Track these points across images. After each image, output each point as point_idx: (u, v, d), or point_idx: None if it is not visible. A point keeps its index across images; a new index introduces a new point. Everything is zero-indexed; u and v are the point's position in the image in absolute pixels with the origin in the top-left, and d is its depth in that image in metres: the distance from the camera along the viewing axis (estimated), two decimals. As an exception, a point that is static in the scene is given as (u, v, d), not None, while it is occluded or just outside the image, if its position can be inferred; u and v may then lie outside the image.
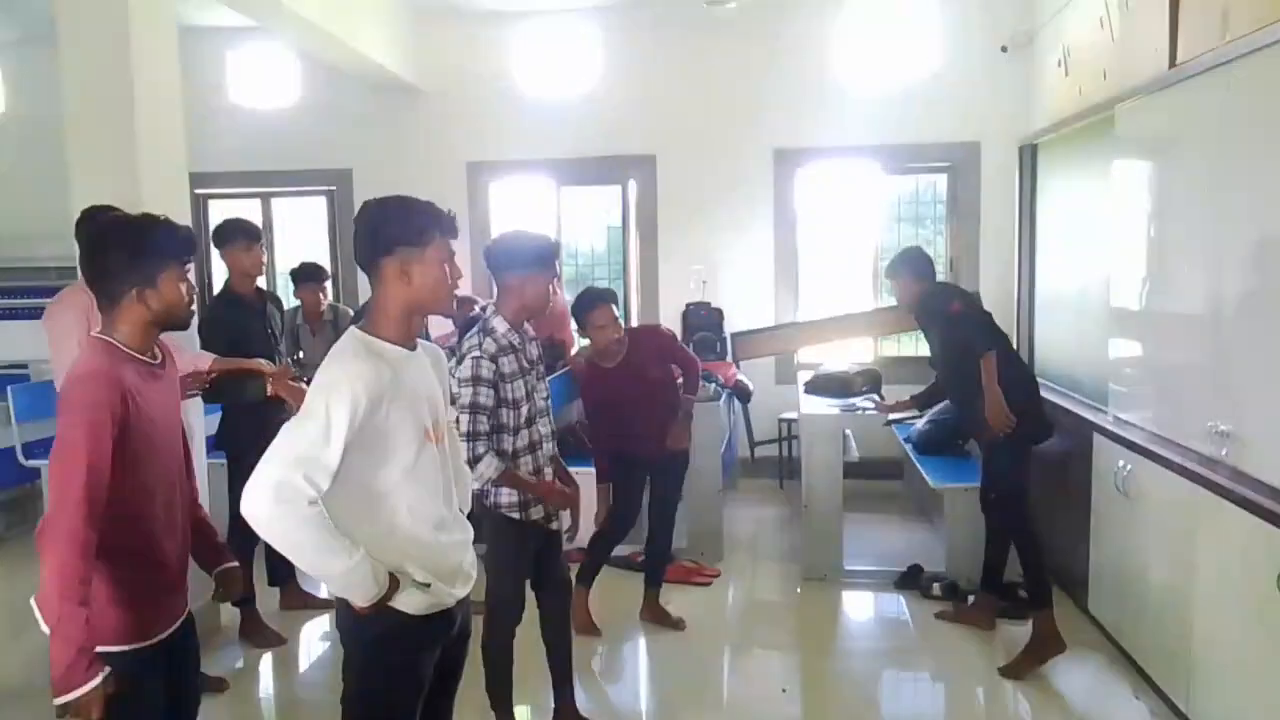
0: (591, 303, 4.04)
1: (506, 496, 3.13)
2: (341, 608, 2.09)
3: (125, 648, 2.11)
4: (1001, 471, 4.11)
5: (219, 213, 7.19)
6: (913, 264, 4.32)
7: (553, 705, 3.47)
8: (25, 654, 2.57)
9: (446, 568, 2.16)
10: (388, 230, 2.08)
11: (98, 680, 1.93)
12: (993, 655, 4.07)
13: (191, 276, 2.29)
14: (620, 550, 4.59)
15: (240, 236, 4.14)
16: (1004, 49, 6.38)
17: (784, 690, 3.90)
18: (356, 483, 1.99)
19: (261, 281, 4.34)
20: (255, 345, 4.06)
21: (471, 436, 3.01)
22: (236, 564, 2.49)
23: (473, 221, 7.22)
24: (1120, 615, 4.04)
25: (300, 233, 7.73)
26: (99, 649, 1.99)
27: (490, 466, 3.03)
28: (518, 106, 7.10)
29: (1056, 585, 4.61)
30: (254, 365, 3.76)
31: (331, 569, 1.97)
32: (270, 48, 7.23)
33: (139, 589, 2.13)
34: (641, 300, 7.26)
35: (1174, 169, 3.80)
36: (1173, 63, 3.77)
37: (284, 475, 1.90)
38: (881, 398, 5.47)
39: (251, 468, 1.95)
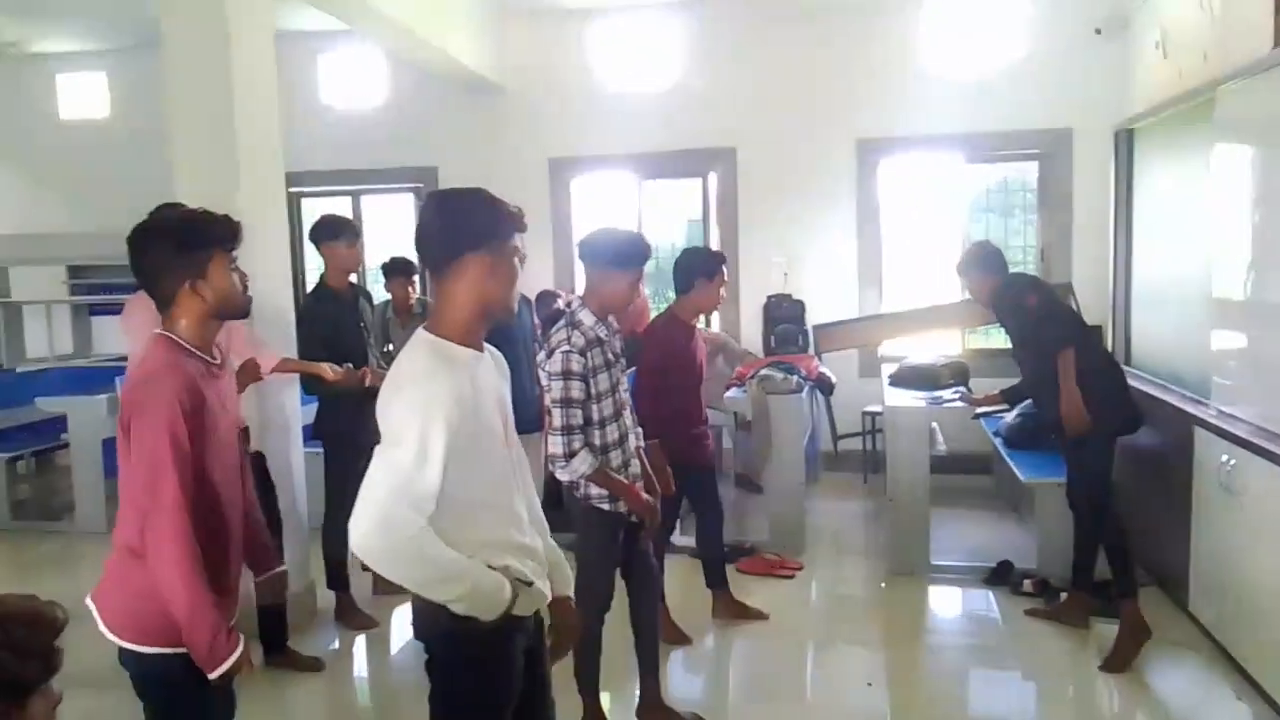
0: (723, 259, 4.16)
1: (597, 487, 3.15)
2: (427, 609, 1.98)
3: None
4: (1085, 464, 4.01)
5: (310, 210, 7.44)
6: (981, 260, 4.24)
7: (637, 693, 3.50)
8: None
9: (539, 567, 2.12)
10: (473, 224, 1.99)
11: (240, 647, 2.09)
12: (1086, 654, 3.97)
13: (242, 265, 2.25)
14: (691, 541, 4.62)
15: (345, 233, 4.29)
16: (1098, 31, 6.18)
17: (869, 684, 3.86)
18: (448, 495, 1.90)
19: (352, 276, 4.47)
20: (349, 338, 4.21)
21: (566, 430, 3.03)
22: (284, 569, 2.50)
23: (555, 218, 7.31)
24: (1222, 614, 3.90)
25: (388, 228, 7.92)
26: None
27: (585, 463, 3.05)
28: (599, 102, 7.15)
29: (1154, 584, 4.50)
30: (317, 369, 3.94)
31: (454, 593, 1.91)
32: (359, 50, 7.42)
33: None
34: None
35: (1279, 152, 3.65)
36: (1277, 42, 3.65)
37: (390, 508, 1.85)
38: (969, 391, 5.37)
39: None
